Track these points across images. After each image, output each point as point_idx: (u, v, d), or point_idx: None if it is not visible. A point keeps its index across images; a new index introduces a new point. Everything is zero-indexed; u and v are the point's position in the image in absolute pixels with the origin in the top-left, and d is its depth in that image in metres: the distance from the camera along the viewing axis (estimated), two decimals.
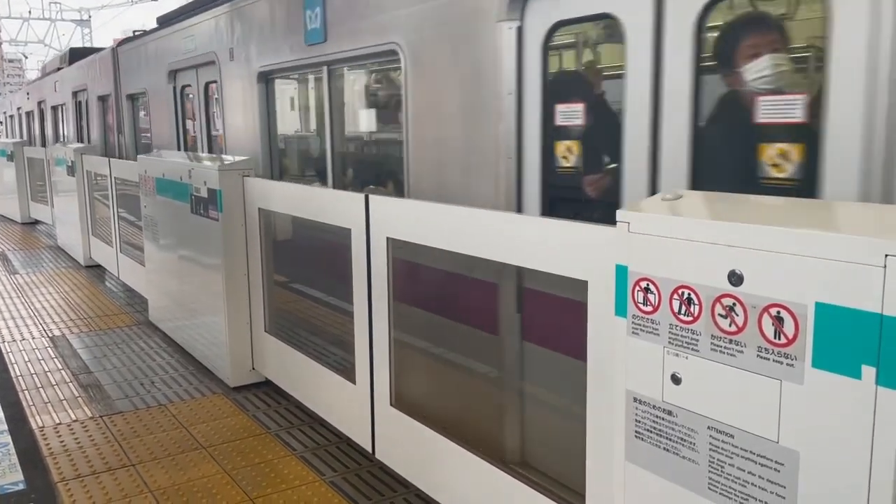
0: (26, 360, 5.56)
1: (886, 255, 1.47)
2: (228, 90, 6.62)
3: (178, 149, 8.09)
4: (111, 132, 10.87)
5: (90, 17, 41.55)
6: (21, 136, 19.64)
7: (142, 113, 9.56)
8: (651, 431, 2.00)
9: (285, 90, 6.27)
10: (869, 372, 1.52)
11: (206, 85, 7.31)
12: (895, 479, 1.51)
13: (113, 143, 10.77)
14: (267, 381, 4.89)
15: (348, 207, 3.62)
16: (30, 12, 41.66)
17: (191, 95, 7.83)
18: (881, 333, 1.49)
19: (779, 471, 1.72)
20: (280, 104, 6.21)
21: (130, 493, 3.54)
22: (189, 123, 8.08)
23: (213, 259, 4.88)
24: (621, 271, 2.03)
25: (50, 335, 6.23)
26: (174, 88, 8.12)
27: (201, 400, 4.73)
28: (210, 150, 7.38)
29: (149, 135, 9.14)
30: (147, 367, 5.36)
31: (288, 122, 6.39)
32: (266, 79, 6.02)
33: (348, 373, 3.82)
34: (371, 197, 3.46)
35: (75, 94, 12.69)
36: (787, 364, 1.67)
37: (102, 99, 11.03)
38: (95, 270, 9.06)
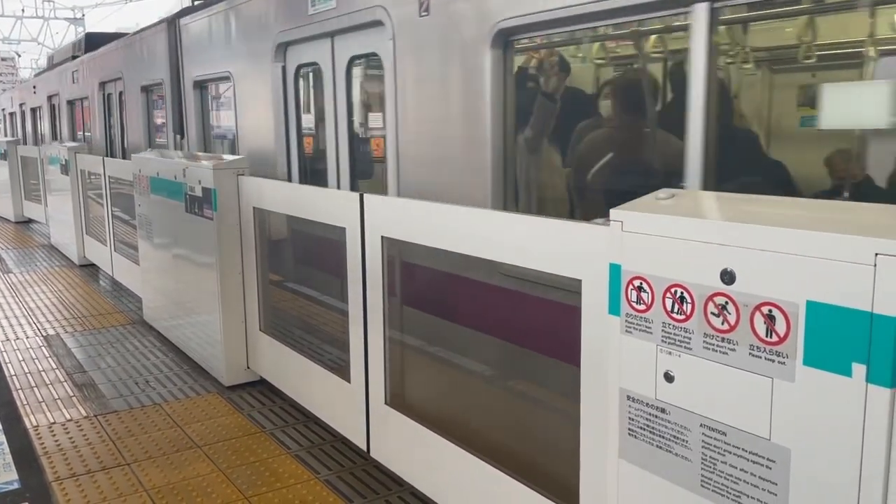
0: (20, 359, 5.54)
1: (877, 254, 1.48)
2: (411, 65, 4.21)
3: (287, 157, 5.81)
4: (161, 132, 8.60)
5: (83, 15, 41.41)
6: (25, 136, 17.77)
7: (216, 106, 7.37)
8: (644, 429, 2.01)
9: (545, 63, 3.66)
10: (859, 370, 1.54)
11: (352, 60, 5.07)
12: (885, 475, 1.53)
13: (164, 146, 8.42)
14: (262, 380, 4.89)
15: (343, 206, 3.63)
16: (23, 10, 41.54)
17: (315, 78, 5.59)
18: (871, 331, 1.51)
19: (770, 468, 1.73)
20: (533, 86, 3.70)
21: (125, 491, 3.54)
22: (306, 119, 5.82)
23: (208, 258, 4.88)
24: (615, 270, 2.04)
25: (44, 334, 6.21)
26: (283, 69, 5.75)
27: (196, 399, 4.72)
28: (353, 162, 5.23)
29: (229, 136, 6.89)
30: (141, 366, 5.35)
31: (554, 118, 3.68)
32: (507, 41, 3.61)
33: (343, 371, 3.82)
34: (366, 196, 3.47)
35: (103, 84, 10.42)
36: (779, 362, 1.68)
37: (148, 90, 8.80)
38: (89, 269, 9.04)
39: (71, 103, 12.32)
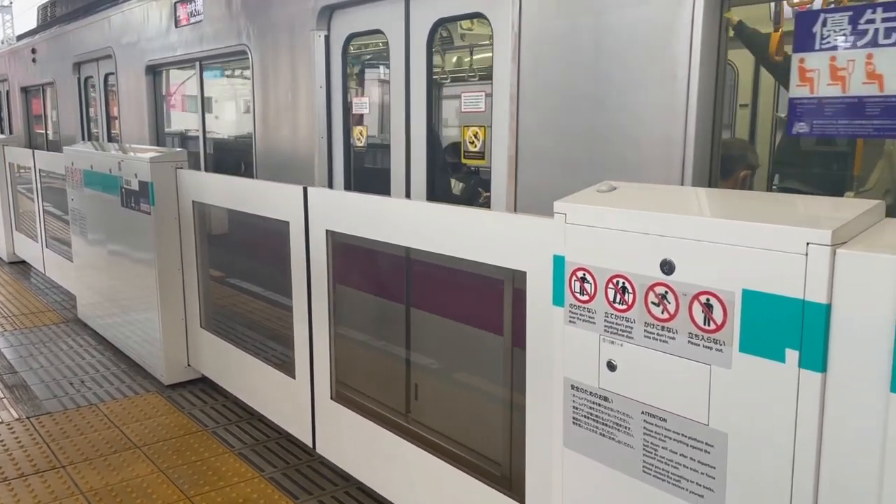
0: None
1: (808, 244, 1.54)
2: None
3: None
4: None
5: (11, 3, 39.77)
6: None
7: None
8: (588, 417, 2.05)
9: None
10: (792, 355, 1.59)
11: None
12: (816, 457, 1.59)
13: None
14: (203, 377, 4.79)
15: (286, 200, 3.57)
16: None
17: None
18: (803, 318, 1.56)
19: (709, 452, 1.78)
20: None
21: (61, 495, 3.42)
22: None
23: (146, 254, 4.75)
24: (559, 262, 2.06)
25: None
26: None
27: (134, 399, 4.60)
28: None
29: None
30: (76, 366, 5.18)
31: None
32: None
33: (288, 367, 3.78)
34: (310, 189, 3.42)
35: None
36: (716, 349, 1.73)
37: None
38: (20, 267, 8.69)
39: (155, 72, 7.04)
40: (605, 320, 1.96)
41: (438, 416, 3.19)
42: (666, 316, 1.82)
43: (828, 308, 1.53)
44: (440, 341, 3.25)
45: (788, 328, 1.59)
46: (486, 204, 3.62)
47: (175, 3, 6.23)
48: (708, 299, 1.73)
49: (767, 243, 1.60)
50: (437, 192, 3.97)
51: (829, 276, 1.52)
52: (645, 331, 1.87)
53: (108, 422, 4.24)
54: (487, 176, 3.60)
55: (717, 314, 1.71)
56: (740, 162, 3.11)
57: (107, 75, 8.21)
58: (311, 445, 3.65)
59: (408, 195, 4.10)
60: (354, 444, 3.34)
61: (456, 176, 4.15)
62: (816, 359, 1.56)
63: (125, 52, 7.40)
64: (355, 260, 3.52)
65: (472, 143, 3.63)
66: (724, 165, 2.90)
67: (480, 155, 3.64)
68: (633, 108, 2.80)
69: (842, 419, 1.55)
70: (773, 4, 2.80)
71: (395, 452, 3.09)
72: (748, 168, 3.18)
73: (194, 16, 5.95)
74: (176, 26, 6.28)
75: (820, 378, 1.56)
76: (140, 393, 4.69)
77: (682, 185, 2.69)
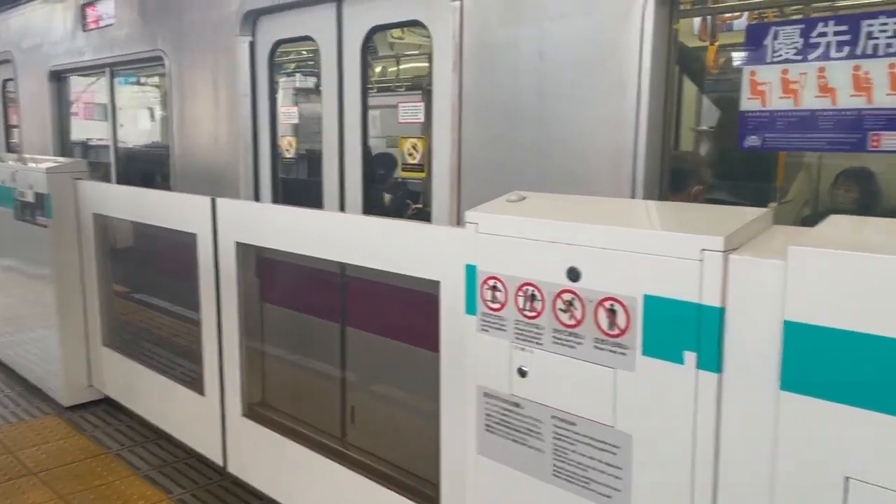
0: None
1: (703, 250, 1.62)
2: None
3: None
4: None
5: None
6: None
7: None
8: (500, 424, 2.08)
9: None
10: (690, 357, 1.67)
11: None
12: (714, 453, 1.66)
13: None
14: (106, 398, 4.58)
15: (194, 211, 3.48)
16: None
17: None
18: (700, 321, 1.64)
19: (615, 454, 1.84)
20: None
21: None
22: None
23: (43, 269, 4.51)
24: (471, 271, 2.09)
25: None
26: None
27: (31, 422, 4.35)
28: None
29: None
30: None
31: None
32: None
33: (196, 384, 3.66)
34: (218, 200, 3.34)
35: None
36: (621, 353, 1.79)
37: None
38: None
39: (60, 78, 6.45)
40: (515, 327, 2.00)
41: (360, 429, 3.16)
42: (573, 322, 1.87)
43: (722, 311, 1.61)
44: (368, 359, 3.22)
45: (686, 331, 1.66)
46: (414, 216, 3.58)
47: (83, 4, 5.87)
48: (612, 305, 1.79)
49: (665, 250, 1.68)
50: (374, 207, 3.85)
51: (723, 280, 1.60)
52: (553, 337, 1.92)
53: (1, 447, 3.99)
54: (416, 188, 3.55)
55: (621, 319, 1.78)
56: (692, 176, 3.09)
57: (5, 81, 7.73)
58: (221, 464, 3.55)
59: (342, 208, 3.97)
60: (267, 460, 3.26)
61: (383, 188, 4.06)
62: (712, 360, 1.63)
63: (26, 57, 7.03)
64: (278, 275, 3.47)
65: (410, 154, 3.51)
66: (675, 179, 2.84)
67: (420, 167, 3.54)
68: (580, 120, 2.77)
69: (737, 417, 1.63)
70: (699, 19, 2.87)
71: (310, 467, 3.04)
72: (701, 183, 3.12)
73: (104, 19, 5.66)
74: (84, 30, 5.99)
75: (716, 378, 1.64)
76: (37, 416, 4.44)
77: (633, 198, 2.65)
